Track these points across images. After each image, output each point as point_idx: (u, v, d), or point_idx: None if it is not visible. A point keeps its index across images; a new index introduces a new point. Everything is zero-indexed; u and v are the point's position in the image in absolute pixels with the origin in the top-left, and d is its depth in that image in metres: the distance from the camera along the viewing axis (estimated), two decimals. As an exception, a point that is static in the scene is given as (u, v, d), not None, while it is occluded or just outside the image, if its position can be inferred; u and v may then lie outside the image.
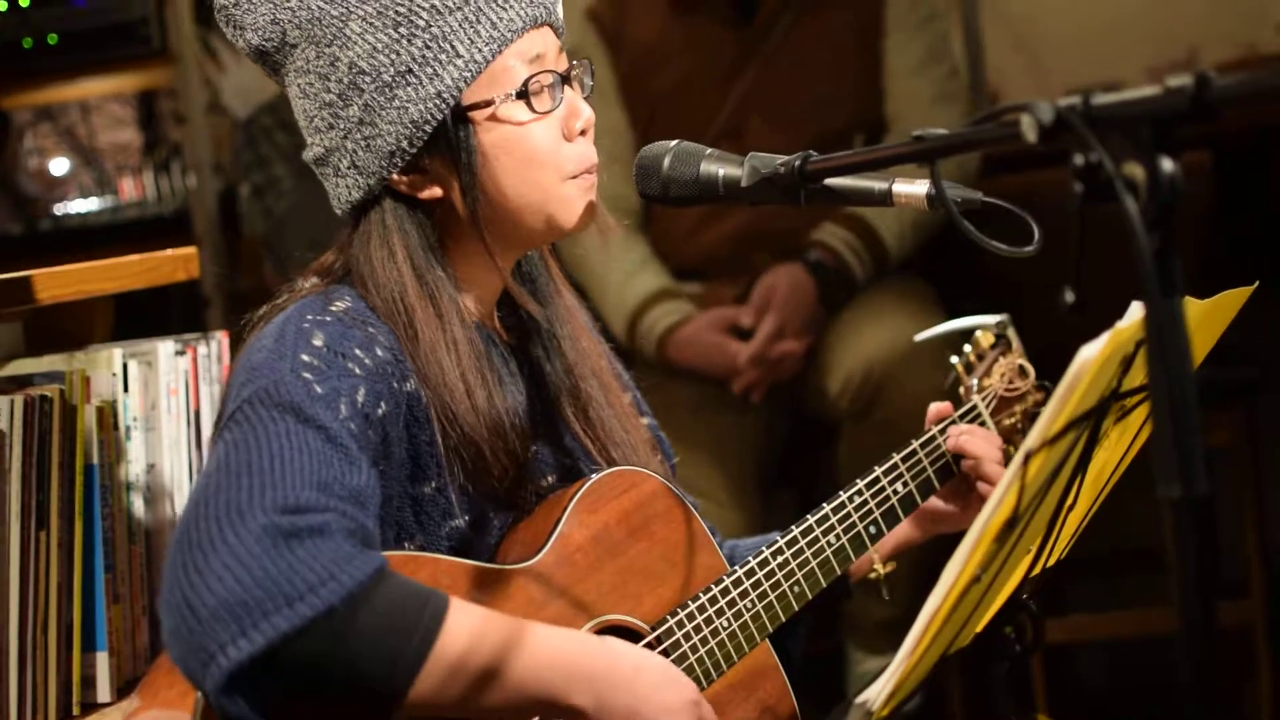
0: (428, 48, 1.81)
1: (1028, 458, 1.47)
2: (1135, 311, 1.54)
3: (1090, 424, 1.58)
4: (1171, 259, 1.24)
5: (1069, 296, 1.29)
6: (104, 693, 2.14)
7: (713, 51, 3.82)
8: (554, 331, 2.00)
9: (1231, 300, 1.84)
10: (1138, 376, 1.61)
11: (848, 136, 3.77)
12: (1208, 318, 1.80)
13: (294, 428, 1.65)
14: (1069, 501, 1.68)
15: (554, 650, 1.67)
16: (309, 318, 1.79)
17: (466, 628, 1.61)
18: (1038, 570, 1.78)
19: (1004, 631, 1.85)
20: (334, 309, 1.81)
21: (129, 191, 5.07)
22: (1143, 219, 1.23)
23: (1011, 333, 2.25)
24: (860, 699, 1.67)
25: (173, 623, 1.54)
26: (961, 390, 2.22)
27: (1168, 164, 1.24)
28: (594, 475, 1.92)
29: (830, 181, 1.77)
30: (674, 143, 1.88)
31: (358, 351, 1.76)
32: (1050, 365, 1.90)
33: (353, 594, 1.54)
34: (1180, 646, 1.25)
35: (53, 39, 4.73)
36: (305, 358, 1.73)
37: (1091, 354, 1.46)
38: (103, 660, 2.14)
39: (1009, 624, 1.85)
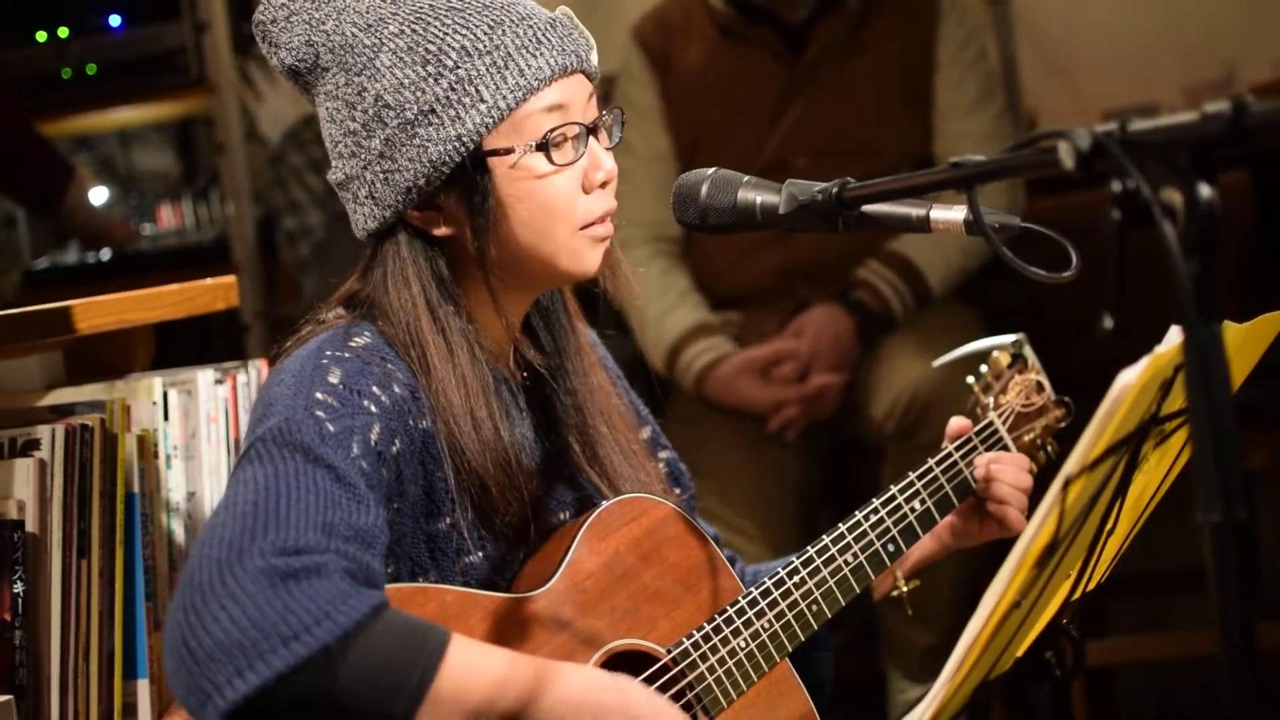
0: (452, 89, 1.81)
1: (1067, 483, 1.47)
2: (1174, 336, 1.54)
3: (1130, 448, 1.58)
4: (1210, 284, 1.23)
5: (1108, 321, 1.29)
6: (145, 720, 2.15)
7: (760, 84, 3.81)
8: (565, 368, 2.00)
9: (1270, 324, 1.83)
10: (1177, 400, 1.60)
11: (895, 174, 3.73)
12: (1246, 341, 1.79)
13: (303, 467, 1.65)
14: (1109, 526, 1.67)
15: (561, 684, 1.66)
16: (328, 353, 1.79)
17: (467, 662, 1.60)
18: (1078, 595, 1.77)
19: (1045, 656, 1.85)
20: (354, 344, 1.81)
21: (168, 220, 5.09)
22: (1181, 245, 1.23)
23: (1028, 351, 2.26)
24: (901, 725, 1.67)
25: (173, 663, 1.54)
26: (979, 410, 2.24)
27: (1205, 189, 1.24)
28: (603, 504, 1.92)
29: (868, 208, 1.77)
30: (711, 170, 1.88)
31: (374, 389, 1.77)
32: (1090, 389, 1.89)
33: (348, 632, 1.54)
34: (1221, 669, 1.24)
35: (91, 69, 4.78)
36: (320, 395, 1.73)
37: (1131, 379, 1.46)
38: (144, 688, 2.14)
39: (1050, 648, 1.84)
